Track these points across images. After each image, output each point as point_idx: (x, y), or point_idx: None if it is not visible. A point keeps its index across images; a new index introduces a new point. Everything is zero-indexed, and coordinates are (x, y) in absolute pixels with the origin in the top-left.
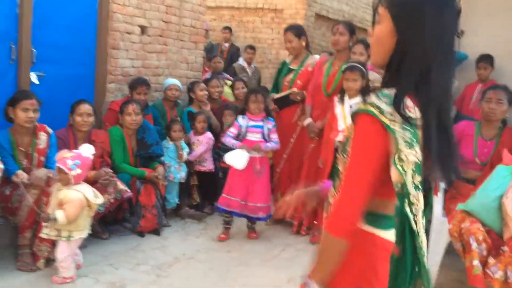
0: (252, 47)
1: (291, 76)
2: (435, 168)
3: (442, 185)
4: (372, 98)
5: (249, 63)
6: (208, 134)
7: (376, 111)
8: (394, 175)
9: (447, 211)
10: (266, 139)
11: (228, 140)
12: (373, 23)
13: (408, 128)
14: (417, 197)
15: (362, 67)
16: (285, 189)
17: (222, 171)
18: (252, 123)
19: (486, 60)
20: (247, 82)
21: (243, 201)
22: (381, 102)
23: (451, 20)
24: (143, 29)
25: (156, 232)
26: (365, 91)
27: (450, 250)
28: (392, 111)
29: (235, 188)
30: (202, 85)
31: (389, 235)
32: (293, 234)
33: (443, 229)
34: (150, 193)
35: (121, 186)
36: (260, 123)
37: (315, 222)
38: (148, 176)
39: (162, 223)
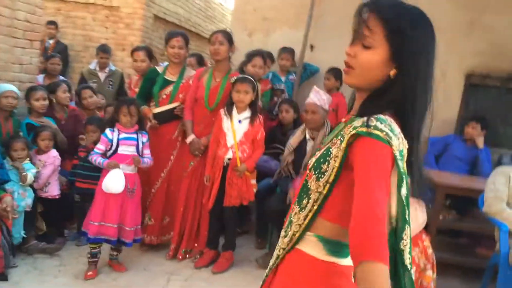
0: (104, 50)
1: (170, 88)
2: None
3: None
4: (377, 123)
5: (102, 68)
6: (53, 153)
7: (387, 139)
8: (393, 208)
9: None
10: (140, 153)
11: (95, 158)
12: (357, 38)
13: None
14: (407, 233)
15: (253, 80)
16: (159, 211)
17: (79, 193)
18: (124, 135)
19: (330, 71)
20: (96, 89)
21: (118, 225)
22: (386, 129)
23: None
24: None
25: (3, 277)
26: (254, 105)
27: None
28: (395, 138)
29: (109, 212)
30: (42, 92)
31: (349, 261)
32: (169, 260)
33: None
34: None
35: None
36: (134, 136)
37: (195, 244)
38: None
39: (10, 264)
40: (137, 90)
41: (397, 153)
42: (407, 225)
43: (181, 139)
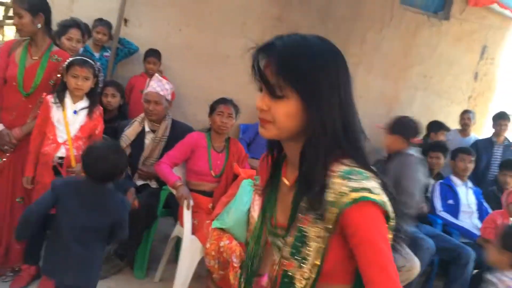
0: None
1: None
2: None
3: (191, 202)
4: (358, 183)
5: None
6: None
7: (382, 200)
8: None
9: (193, 228)
10: None
11: None
12: (264, 89)
13: None
14: None
15: (93, 63)
16: None
17: None
18: None
19: (152, 55)
20: None
21: None
22: (363, 183)
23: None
24: None
25: None
26: (94, 94)
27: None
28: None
29: None
30: None
31: None
32: None
33: (194, 247)
34: None
35: None
36: None
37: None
38: None
39: None
40: None
41: (389, 208)
42: None
43: None
